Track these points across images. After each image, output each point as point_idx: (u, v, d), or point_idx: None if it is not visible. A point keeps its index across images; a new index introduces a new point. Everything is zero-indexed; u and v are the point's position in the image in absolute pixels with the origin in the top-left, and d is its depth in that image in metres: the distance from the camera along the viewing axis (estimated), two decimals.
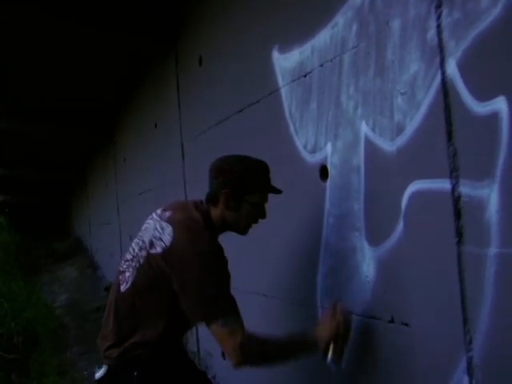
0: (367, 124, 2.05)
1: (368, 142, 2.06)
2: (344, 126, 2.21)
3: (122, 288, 2.10)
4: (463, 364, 1.63)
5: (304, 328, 2.15)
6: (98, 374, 2.08)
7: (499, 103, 1.47)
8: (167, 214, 2.14)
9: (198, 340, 4.35)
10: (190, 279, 1.92)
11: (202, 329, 4.24)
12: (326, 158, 2.35)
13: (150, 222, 2.18)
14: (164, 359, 2.04)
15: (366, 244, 2.10)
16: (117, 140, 7.69)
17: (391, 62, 1.89)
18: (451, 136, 1.64)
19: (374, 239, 2.05)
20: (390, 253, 1.96)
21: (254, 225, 2.22)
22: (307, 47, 2.46)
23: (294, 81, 2.59)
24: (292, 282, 2.71)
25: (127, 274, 2.10)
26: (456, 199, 1.63)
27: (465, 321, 1.62)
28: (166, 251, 1.97)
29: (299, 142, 2.57)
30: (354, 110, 2.13)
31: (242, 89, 3.21)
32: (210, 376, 3.99)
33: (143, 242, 2.11)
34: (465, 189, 1.61)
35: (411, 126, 1.80)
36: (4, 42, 4.91)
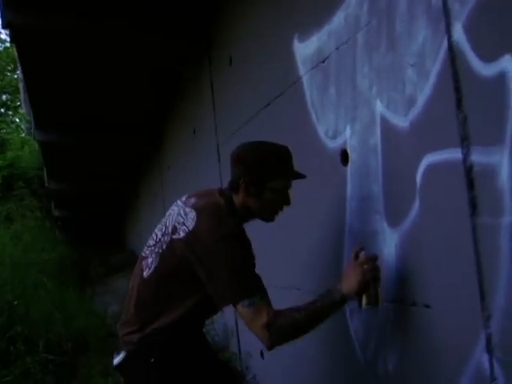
0: (382, 102, 2.00)
1: (383, 120, 2.00)
2: (361, 106, 2.15)
3: (145, 274, 2.09)
4: (482, 342, 1.55)
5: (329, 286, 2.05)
6: (116, 360, 2.08)
7: (505, 62, 1.40)
8: (192, 200, 2.13)
9: (238, 341, 4.32)
10: (214, 262, 1.92)
11: (242, 330, 4.24)
12: (345, 142, 2.31)
13: (174, 208, 2.16)
14: (182, 346, 2.04)
15: (386, 226, 2.03)
16: (161, 149, 7.81)
17: (400, 35, 1.84)
18: (460, 103, 1.58)
19: (393, 220, 1.98)
20: (409, 233, 1.89)
21: (279, 212, 2.18)
22: (324, 32, 2.43)
23: (313, 68, 2.56)
24: (319, 271, 2.65)
25: (149, 260, 2.10)
26: (468, 169, 1.56)
27: (482, 296, 1.54)
28: (189, 236, 1.97)
29: (321, 130, 2.53)
30: (369, 89, 2.08)
31: (267, 83, 3.19)
32: (249, 376, 3.96)
33: (166, 227, 2.10)
34: (476, 157, 1.54)
35: (422, 98, 1.74)
36: (56, 56, 5.04)
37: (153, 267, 2.07)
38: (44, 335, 5.05)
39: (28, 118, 9.66)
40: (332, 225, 2.49)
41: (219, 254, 1.91)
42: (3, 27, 4.04)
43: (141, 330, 2.03)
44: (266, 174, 2.05)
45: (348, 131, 2.28)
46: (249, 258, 1.98)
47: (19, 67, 5.83)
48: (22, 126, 17.65)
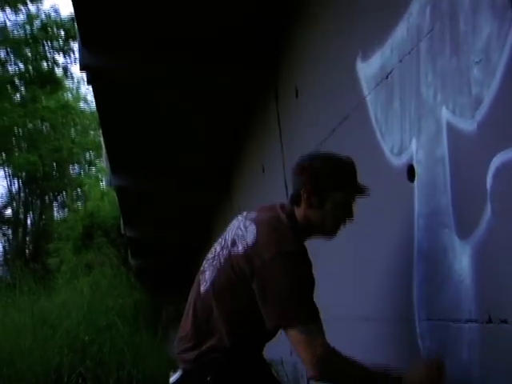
0: (447, 108, 1.91)
1: (450, 127, 1.90)
2: (426, 117, 2.07)
3: (202, 289, 2.03)
4: None
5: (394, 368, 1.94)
6: (173, 379, 2.02)
7: None
8: (252, 214, 2.08)
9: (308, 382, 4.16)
10: (271, 280, 1.84)
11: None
12: (411, 157, 2.21)
13: (235, 222, 2.11)
14: (240, 365, 1.95)
15: (456, 239, 1.90)
16: (232, 190, 7.86)
17: (464, 34, 1.76)
18: None
19: (464, 232, 1.85)
20: (481, 243, 1.76)
21: (342, 227, 2.09)
22: (387, 47, 2.38)
23: (377, 85, 2.51)
24: (389, 297, 2.52)
25: (207, 274, 2.04)
26: None
27: None
28: (249, 250, 1.90)
29: (386, 147, 2.45)
30: (434, 97, 2.00)
31: (332, 109, 3.16)
32: None
33: (225, 240, 2.05)
34: None
35: (489, 96, 1.64)
36: (130, 99, 5.24)
37: (209, 281, 2.00)
38: (114, 373, 5.06)
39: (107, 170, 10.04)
40: (401, 246, 2.37)
41: (277, 270, 1.83)
42: (81, 70, 4.24)
43: (197, 347, 1.96)
44: (330, 184, 1.99)
45: (414, 145, 2.19)
46: (309, 280, 1.90)
47: (96, 112, 6.08)
48: (103, 179, 18.43)
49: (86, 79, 4.45)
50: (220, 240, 2.11)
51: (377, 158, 2.52)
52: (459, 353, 1.93)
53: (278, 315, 1.83)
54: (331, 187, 1.99)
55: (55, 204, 30.35)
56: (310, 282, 1.89)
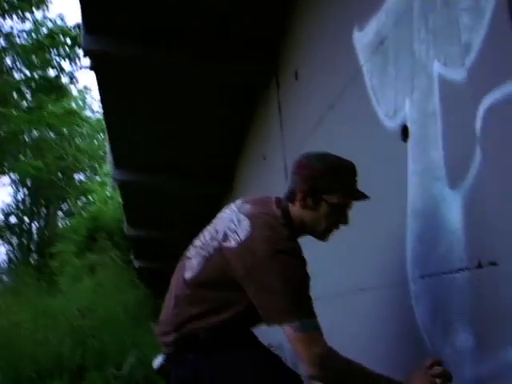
0: (439, 61, 1.94)
1: (441, 80, 1.93)
2: (418, 74, 2.10)
3: (187, 275, 1.99)
4: None
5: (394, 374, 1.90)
6: (156, 364, 2.01)
7: None
8: (246, 206, 2.00)
9: None
10: (266, 278, 1.80)
11: None
12: (405, 117, 2.24)
13: (227, 211, 2.05)
14: (224, 342, 1.91)
15: (447, 191, 1.92)
16: (234, 184, 7.89)
17: None
18: None
19: (455, 181, 1.87)
20: (471, 189, 1.78)
21: (334, 230, 2.08)
22: (382, 12, 2.41)
23: (373, 52, 2.54)
24: (383, 262, 2.53)
25: (194, 262, 1.99)
26: None
27: None
28: (241, 246, 1.85)
29: (381, 113, 2.47)
30: (427, 53, 2.02)
31: (330, 83, 3.18)
32: None
33: (216, 231, 1.99)
34: None
35: (478, 39, 1.67)
36: (134, 89, 5.28)
37: (196, 270, 1.96)
38: (114, 363, 5.09)
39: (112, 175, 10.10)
40: (394, 209, 2.38)
41: (273, 267, 1.80)
42: (84, 55, 4.29)
43: (177, 331, 1.94)
44: (326, 186, 1.95)
45: (407, 105, 2.21)
46: (304, 278, 1.87)
47: (100, 102, 6.12)
48: (108, 183, 18.53)
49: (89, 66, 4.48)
50: (210, 228, 2.07)
51: (373, 124, 2.53)
52: (452, 303, 1.95)
53: (273, 311, 1.80)
54: (327, 190, 1.96)
55: (60, 214, 30.44)
56: (304, 280, 1.87)
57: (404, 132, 2.25)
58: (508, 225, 1.57)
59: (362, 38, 2.66)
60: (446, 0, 1.85)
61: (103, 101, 5.42)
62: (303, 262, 1.90)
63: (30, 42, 22.41)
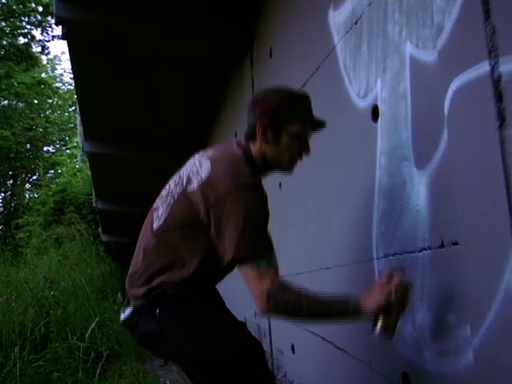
0: (411, 42, 1.95)
1: (412, 61, 1.95)
2: (391, 55, 2.11)
3: (155, 226, 2.00)
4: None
5: (352, 293, 1.93)
6: (124, 315, 2.00)
7: None
8: (209, 152, 2.04)
9: (271, 342, 4.21)
10: (226, 212, 1.79)
11: (275, 328, 4.13)
12: (376, 97, 2.25)
13: (191, 160, 2.07)
14: (189, 297, 1.92)
15: (415, 171, 1.95)
16: None
17: None
18: (489, 14, 1.51)
19: (422, 161, 1.90)
20: (437, 170, 1.81)
21: (298, 161, 2.08)
22: None
23: (347, 32, 2.54)
24: (349, 241, 2.57)
25: (160, 211, 2.00)
26: (496, 81, 1.48)
27: None
28: (204, 185, 1.86)
29: (353, 92, 2.49)
30: (399, 34, 2.04)
31: (304, 62, 3.18)
32: (281, 375, 3.84)
33: (180, 177, 2.01)
34: (505, 67, 1.46)
35: (450, 22, 1.68)
36: (105, 59, 5.21)
37: (163, 219, 1.97)
38: (78, 332, 5.08)
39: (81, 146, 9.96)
40: (363, 188, 2.41)
41: (232, 203, 1.78)
42: (56, 24, 4.20)
43: (147, 284, 1.94)
44: (284, 117, 1.96)
45: (379, 85, 2.23)
46: (263, 214, 1.86)
47: (71, 72, 6.02)
48: (78, 155, 18.26)
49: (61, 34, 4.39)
50: (174, 177, 2.08)
51: (344, 104, 2.55)
52: (415, 282, 1.98)
53: (230, 249, 1.78)
54: (286, 120, 1.97)
55: (27, 185, 29.96)
56: (264, 215, 1.87)
57: (375, 112, 2.27)
58: (470, 206, 1.60)
59: (337, 18, 2.66)
60: None
61: (75, 71, 5.33)
62: (264, 197, 1.89)
63: (0, 7, 21.79)
